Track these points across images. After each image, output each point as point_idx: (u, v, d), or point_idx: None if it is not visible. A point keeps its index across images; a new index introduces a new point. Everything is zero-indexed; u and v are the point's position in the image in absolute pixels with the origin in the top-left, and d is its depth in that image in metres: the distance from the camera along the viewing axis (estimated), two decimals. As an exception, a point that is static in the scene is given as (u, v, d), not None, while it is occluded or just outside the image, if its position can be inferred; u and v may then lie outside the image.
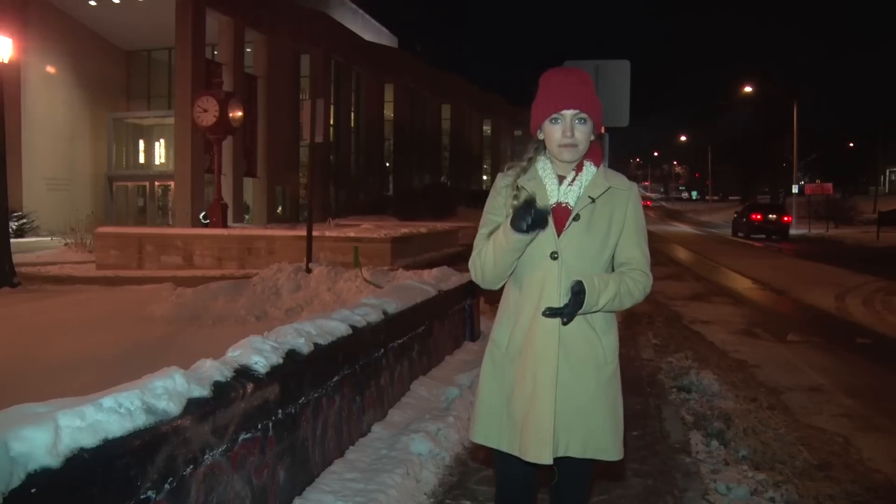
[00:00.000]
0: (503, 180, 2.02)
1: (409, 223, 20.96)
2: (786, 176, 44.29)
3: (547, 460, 1.86)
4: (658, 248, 21.87)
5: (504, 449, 1.96)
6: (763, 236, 26.76)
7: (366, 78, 32.22)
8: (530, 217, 1.77)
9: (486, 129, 48.57)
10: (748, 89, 39.94)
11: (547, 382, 1.87)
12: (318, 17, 28.08)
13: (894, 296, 10.46)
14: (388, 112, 34.81)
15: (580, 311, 1.86)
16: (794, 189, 35.45)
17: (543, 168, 1.98)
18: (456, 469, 3.46)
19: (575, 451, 1.91)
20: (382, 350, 4.03)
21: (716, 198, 70.66)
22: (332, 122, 28.45)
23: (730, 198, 72.29)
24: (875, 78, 46.18)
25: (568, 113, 1.90)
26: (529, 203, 1.79)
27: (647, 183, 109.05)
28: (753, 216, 27.81)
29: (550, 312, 1.86)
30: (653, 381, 5.29)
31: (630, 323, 7.73)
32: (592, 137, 1.96)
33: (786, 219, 27.73)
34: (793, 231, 28.11)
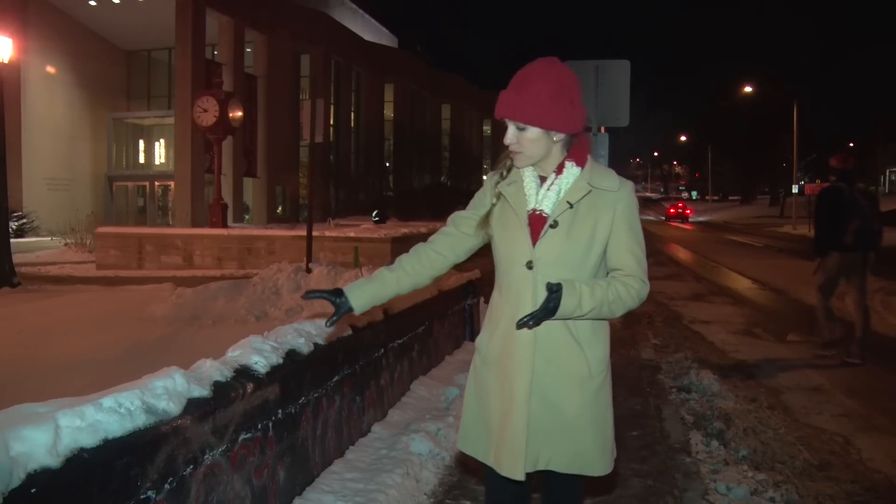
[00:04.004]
0: (491, 179, 1.98)
1: (409, 223, 20.96)
2: (786, 176, 44.31)
3: (519, 476, 1.79)
4: (658, 248, 21.84)
5: (480, 459, 1.91)
6: (679, 221, 47.45)
7: (366, 78, 32.23)
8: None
9: (486, 129, 48.65)
10: (748, 89, 39.97)
11: (521, 395, 1.79)
12: (318, 17, 28.10)
13: (894, 296, 10.45)
14: (388, 112, 34.85)
15: (557, 317, 1.74)
16: (794, 189, 35.47)
17: (524, 170, 1.88)
18: (456, 469, 3.46)
19: (558, 466, 1.84)
20: (382, 350, 4.03)
21: (716, 198, 70.70)
22: (332, 122, 28.47)
23: (730, 198, 72.27)
24: (875, 78, 46.14)
25: (507, 120, 1.82)
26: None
27: (681, 184, 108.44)
28: (668, 210, 52.85)
29: (520, 322, 1.76)
30: (653, 381, 5.29)
31: (630, 323, 7.73)
32: (556, 139, 1.81)
33: (688, 212, 51.14)
34: (793, 231, 33.49)
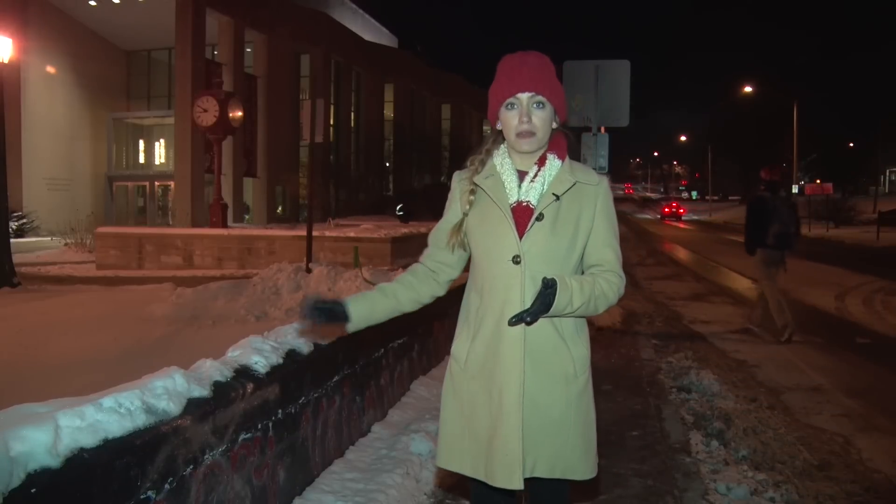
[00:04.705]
0: (458, 176, 1.89)
1: (409, 223, 20.96)
2: (786, 176, 44.38)
3: (517, 485, 1.71)
4: (657, 248, 21.85)
5: (467, 473, 1.83)
6: (673, 220, 50.71)
7: (366, 78, 32.24)
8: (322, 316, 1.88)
9: (486, 129, 48.71)
10: (748, 89, 40.00)
11: (513, 399, 1.71)
12: (318, 17, 28.09)
13: (894, 296, 10.46)
14: (388, 112, 34.84)
15: (550, 314, 1.68)
16: (794, 189, 35.40)
17: (502, 164, 1.81)
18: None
19: (542, 472, 1.76)
20: (382, 350, 4.03)
21: (716, 198, 70.79)
22: (332, 122, 28.46)
23: (730, 197, 72.30)
24: (875, 77, 46.25)
25: (523, 96, 1.73)
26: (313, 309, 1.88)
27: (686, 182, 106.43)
28: (663, 209, 56.74)
29: (515, 319, 1.69)
30: (653, 381, 5.29)
31: (630, 323, 7.74)
32: (555, 125, 1.80)
33: (681, 211, 55.43)
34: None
